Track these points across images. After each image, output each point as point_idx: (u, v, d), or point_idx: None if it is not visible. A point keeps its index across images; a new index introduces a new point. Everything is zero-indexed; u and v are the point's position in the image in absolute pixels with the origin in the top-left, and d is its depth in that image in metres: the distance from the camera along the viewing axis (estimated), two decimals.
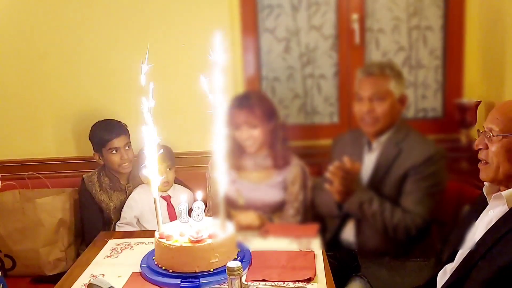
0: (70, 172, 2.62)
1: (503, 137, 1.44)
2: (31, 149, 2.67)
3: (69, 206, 2.45)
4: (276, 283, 1.55)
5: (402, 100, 2.11)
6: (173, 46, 2.56)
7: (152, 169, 1.66)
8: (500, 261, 1.37)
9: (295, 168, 2.22)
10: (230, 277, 1.04)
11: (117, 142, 2.33)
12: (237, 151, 2.20)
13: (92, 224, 2.38)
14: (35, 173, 2.53)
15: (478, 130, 1.55)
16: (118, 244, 1.91)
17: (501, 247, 1.40)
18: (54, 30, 2.57)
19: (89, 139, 2.43)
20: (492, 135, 1.46)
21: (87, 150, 2.48)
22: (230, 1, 2.57)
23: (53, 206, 2.40)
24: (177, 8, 2.55)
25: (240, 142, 2.19)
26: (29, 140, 2.68)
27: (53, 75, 2.62)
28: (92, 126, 2.42)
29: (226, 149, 1.62)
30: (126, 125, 2.39)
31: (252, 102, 2.19)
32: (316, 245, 1.83)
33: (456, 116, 2.60)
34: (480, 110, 2.51)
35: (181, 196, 1.76)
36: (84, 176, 2.43)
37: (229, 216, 2.16)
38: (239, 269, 1.04)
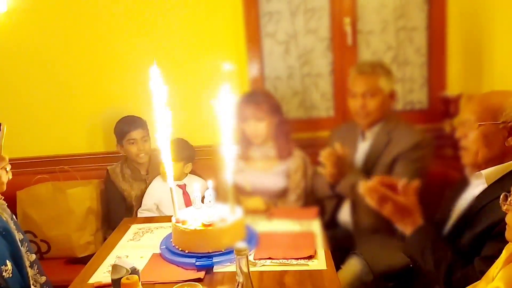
0: (97, 165, 2.62)
1: (480, 125, 1.43)
2: (62, 146, 2.67)
3: (96, 196, 2.46)
4: (280, 260, 1.54)
5: (392, 95, 2.10)
6: (188, 46, 2.55)
7: (168, 162, 1.65)
8: (478, 228, 1.40)
9: (297, 159, 2.22)
10: (238, 256, 1.03)
11: (135, 134, 2.34)
12: (245, 143, 2.19)
13: (116, 211, 2.38)
14: (65, 167, 2.53)
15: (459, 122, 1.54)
16: (140, 229, 1.91)
17: (479, 217, 1.42)
18: (80, 32, 2.56)
19: (114, 133, 2.43)
20: (470, 123, 1.46)
21: (113, 145, 2.48)
22: (235, 9, 2.54)
23: (82, 196, 2.41)
24: (187, 12, 2.53)
25: (247, 134, 2.18)
26: (60, 137, 2.68)
27: (81, 77, 2.61)
28: (116, 122, 2.43)
29: (232, 141, 1.60)
30: (145, 121, 2.38)
31: (259, 98, 2.19)
32: (316, 226, 1.82)
33: (440, 107, 2.58)
34: (462, 102, 2.47)
35: (194, 185, 1.75)
36: (108, 168, 2.44)
37: (238, 202, 2.17)
38: (245, 250, 1.03)
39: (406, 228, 1.51)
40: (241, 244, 1.03)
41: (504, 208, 1.07)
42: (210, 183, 1.72)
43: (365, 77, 2.07)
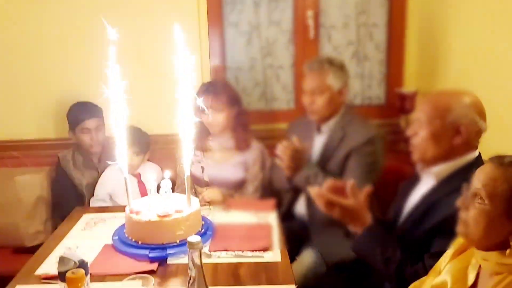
0: (48, 152, 2.50)
1: (429, 124, 1.47)
2: (11, 131, 2.54)
3: (47, 184, 2.36)
4: (236, 252, 1.53)
5: (341, 92, 2.10)
6: (144, 32, 2.45)
7: (121, 151, 1.59)
8: (426, 224, 1.44)
9: (255, 151, 2.21)
10: (191, 250, 1.01)
11: (89, 123, 2.25)
12: (203, 133, 2.16)
13: (67, 199, 2.27)
14: (14, 152, 2.41)
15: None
16: (92, 218, 1.85)
17: (429, 214, 1.45)
18: (29, 15, 2.42)
19: (66, 118, 2.33)
20: (419, 122, 1.50)
21: (65, 131, 2.37)
22: None
23: (32, 184, 2.31)
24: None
25: (205, 125, 2.15)
26: (9, 122, 2.54)
27: (32, 59, 2.48)
28: (70, 107, 2.33)
29: (192, 132, 1.57)
30: (101, 108, 2.30)
31: (218, 88, 2.15)
32: (272, 218, 1.82)
33: (397, 103, 2.63)
34: (418, 98, 2.54)
35: (150, 175, 1.71)
36: (59, 154, 2.33)
37: (195, 193, 2.14)
38: (198, 243, 1.01)
39: (356, 228, 1.53)
40: (194, 237, 1.01)
41: (463, 202, 1.10)
42: (167, 173, 1.68)
43: (313, 75, 2.08)
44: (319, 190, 1.53)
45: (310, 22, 2.63)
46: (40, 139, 2.53)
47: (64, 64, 2.48)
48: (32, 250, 2.00)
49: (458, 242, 1.19)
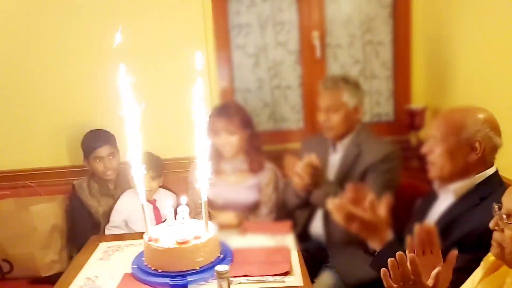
0: (62, 180, 2.52)
1: (444, 141, 1.48)
2: (25, 160, 2.55)
3: (61, 212, 2.36)
4: (256, 277, 1.52)
5: (357, 109, 2.11)
6: (157, 59, 2.49)
7: (139, 177, 1.60)
8: (447, 240, 1.41)
9: (268, 172, 2.21)
10: (219, 279, 1.01)
11: (101, 151, 2.26)
12: (216, 156, 2.16)
13: (83, 228, 2.28)
14: (27, 182, 2.42)
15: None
16: (109, 247, 1.84)
17: (449, 230, 1.45)
18: (44, 44, 2.45)
19: (81, 147, 2.35)
20: (435, 139, 1.52)
21: (79, 159, 2.38)
22: (204, 21, 2.52)
23: (46, 213, 2.30)
24: (157, 24, 2.48)
25: (218, 148, 2.15)
26: (23, 151, 2.55)
27: (45, 88, 2.50)
28: (83, 136, 2.34)
29: (207, 156, 1.58)
30: (113, 135, 2.31)
31: (231, 111, 2.16)
32: (290, 241, 1.81)
33: (406, 120, 2.64)
34: (426, 114, 2.55)
35: (166, 201, 1.71)
36: (74, 182, 2.34)
37: (209, 217, 2.14)
38: (226, 273, 1.01)
39: (375, 244, 1.52)
40: (222, 267, 1.01)
41: (497, 223, 1.08)
42: (183, 199, 1.68)
43: (328, 92, 2.10)
44: (338, 202, 1.52)
45: (316, 42, 2.66)
46: (54, 167, 2.54)
47: (78, 92, 2.50)
48: (48, 280, 2.02)
49: (488, 261, 1.18)
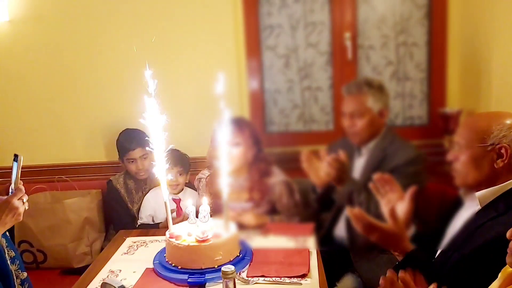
0: (96, 176, 2.62)
1: (469, 148, 1.43)
2: (61, 155, 2.67)
3: (94, 206, 2.46)
4: (273, 278, 1.53)
5: (382, 113, 2.07)
6: (187, 58, 2.54)
7: (162, 174, 1.64)
8: (470, 249, 1.37)
9: (278, 187, 2.06)
10: (225, 279, 1.02)
11: (134, 154, 2.33)
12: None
13: (118, 220, 2.37)
14: (63, 176, 2.53)
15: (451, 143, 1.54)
16: (135, 242, 1.90)
17: (471, 239, 1.39)
18: (83, 43, 2.56)
19: (116, 145, 2.43)
20: (459, 147, 1.46)
21: (113, 155, 2.47)
22: (235, 22, 2.55)
23: (79, 206, 2.40)
24: (189, 25, 2.53)
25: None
26: (59, 146, 2.68)
27: (83, 87, 2.61)
28: (119, 134, 2.42)
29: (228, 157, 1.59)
30: (146, 136, 2.36)
31: (243, 123, 2.07)
32: (311, 243, 1.80)
33: (440, 123, 2.56)
34: (462, 118, 2.46)
35: (188, 200, 1.74)
36: (111, 177, 2.43)
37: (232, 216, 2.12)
38: (232, 273, 1.02)
39: (396, 254, 1.49)
40: (228, 267, 1.02)
41: None
42: (205, 199, 1.71)
43: (351, 98, 2.06)
44: (357, 212, 1.50)
45: (348, 44, 2.63)
46: (89, 163, 2.64)
47: (114, 90, 2.59)
48: (79, 271, 2.08)
49: (505, 272, 1.13)
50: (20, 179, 1.53)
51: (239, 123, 2.06)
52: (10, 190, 1.52)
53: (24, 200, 1.50)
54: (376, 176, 1.55)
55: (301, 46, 2.69)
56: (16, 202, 1.45)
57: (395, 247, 1.48)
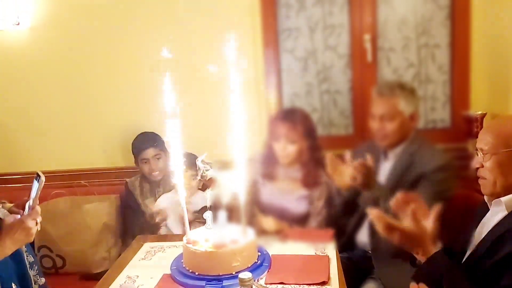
0: (115, 181, 2.64)
1: (494, 153, 1.38)
2: (79, 160, 2.70)
3: (112, 211, 2.47)
4: (292, 285, 1.50)
5: (413, 117, 2.02)
6: (203, 59, 2.50)
7: (180, 181, 1.63)
8: (496, 255, 1.34)
9: (322, 186, 2.09)
10: (242, 287, 1.00)
11: (146, 153, 2.35)
12: (271, 160, 2.11)
13: (134, 225, 2.36)
14: (82, 181, 2.56)
15: (476, 149, 1.49)
16: (152, 247, 1.89)
17: (499, 245, 1.36)
18: (99, 49, 2.61)
19: (131, 149, 2.45)
20: (484, 153, 1.42)
21: (132, 160, 2.48)
22: (253, 25, 2.54)
23: (98, 211, 2.42)
24: (206, 30, 2.54)
25: (275, 152, 2.10)
26: (78, 151, 2.71)
27: (100, 93, 2.66)
28: (134, 138, 2.44)
29: (245, 160, 1.57)
30: (161, 138, 2.38)
31: (296, 118, 2.07)
32: (331, 249, 1.77)
33: (464, 127, 2.50)
34: (486, 121, 2.40)
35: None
36: (127, 180, 2.45)
37: (252, 221, 2.12)
38: (249, 280, 1.00)
39: (419, 257, 1.45)
40: (245, 274, 1.00)
41: None
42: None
43: (383, 99, 2.01)
44: (377, 212, 1.47)
45: (368, 46, 2.59)
46: (108, 168, 2.67)
47: (131, 96, 2.62)
48: (97, 277, 2.08)
49: None
50: (33, 176, 1.53)
51: (292, 118, 2.05)
52: (27, 206, 1.53)
53: (38, 221, 1.51)
54: (399, 195, 1.50)
55: (320, 49, 2.67)
56: (30, 222, 1.47)
57: (418, 249, 1.44)
